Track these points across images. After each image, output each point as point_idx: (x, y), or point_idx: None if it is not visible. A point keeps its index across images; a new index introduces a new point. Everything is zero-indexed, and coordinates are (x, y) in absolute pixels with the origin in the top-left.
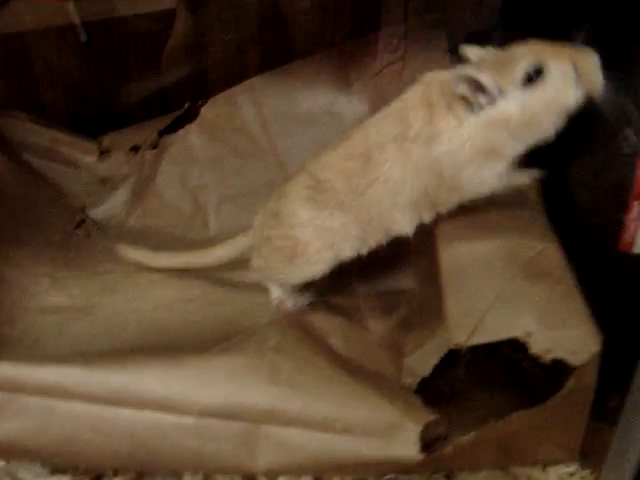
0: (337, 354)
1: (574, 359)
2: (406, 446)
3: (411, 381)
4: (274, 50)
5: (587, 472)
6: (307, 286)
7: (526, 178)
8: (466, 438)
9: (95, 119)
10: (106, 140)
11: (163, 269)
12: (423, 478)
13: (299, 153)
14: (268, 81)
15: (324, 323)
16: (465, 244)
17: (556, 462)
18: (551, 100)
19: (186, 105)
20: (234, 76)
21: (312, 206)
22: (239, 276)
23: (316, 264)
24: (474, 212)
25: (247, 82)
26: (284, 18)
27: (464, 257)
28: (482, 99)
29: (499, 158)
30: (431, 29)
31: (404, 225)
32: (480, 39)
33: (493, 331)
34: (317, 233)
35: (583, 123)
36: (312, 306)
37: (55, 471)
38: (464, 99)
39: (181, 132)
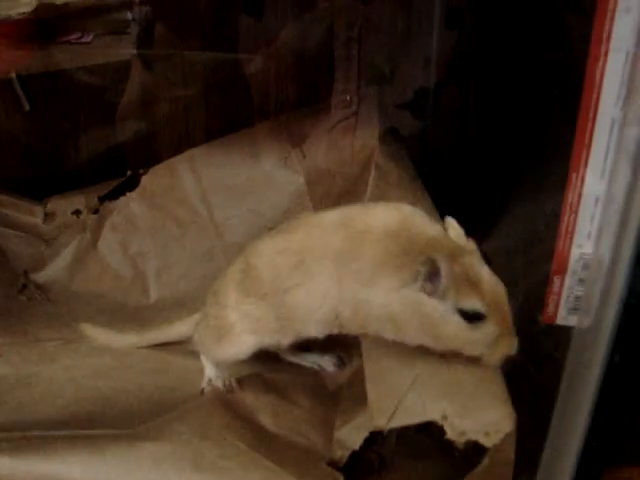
0: (266, 431)
1: (486, 440)
2: None
3: (341, 454)
4: (221, 113)
5: None
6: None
7: None
8: None
9: (41, 180)
10: (51, 203)
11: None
12: None
13: (238, 223)
14: (208, 152)
15: (254, 400)
16: None
17: None
18: (463, 337)
19: (128, 173)
20: (180, 136)
21: (240, 290)
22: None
23: (239, 346)
24: None
25: (187, 152)
26: (234, 79)
27: (384, 340)
28: (427, 286)
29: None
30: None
31: (315, 334)
32: (429, 94)
33: (411, 414)
34: (241, 317)
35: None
36: (244, 382)
37: None
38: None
39: (122, 199)
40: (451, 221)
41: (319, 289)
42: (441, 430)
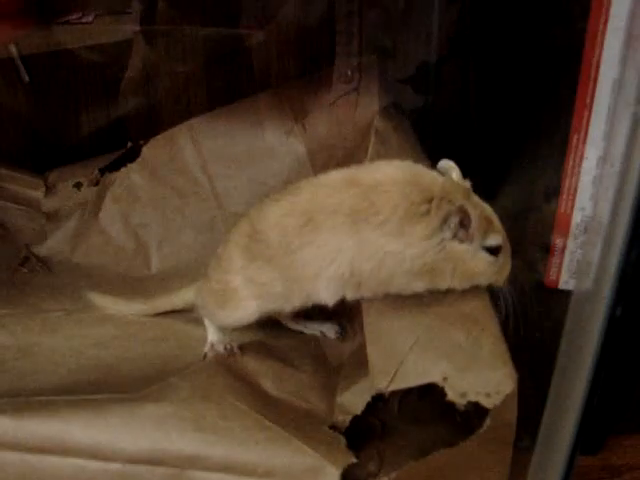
0: (267, 395)
1: (487, 401)
2: None
3: (343, 419)
4: (222, 88)
5: None
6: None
7: None
8: (395, 475)
9: (43, 154)
10: (52, 176)
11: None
12: None
13: (238, 193)
14: (208, 121)
15: (255, 365)
16: None
17: None
18: (490, 271)
19: (128, 144)
20: (182, 111)
21: (246, 255)
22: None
23: (242, 311)
24: None
25: (187, 122)
26: (235, 54)
27: (384, 303)
28: (460, 233)
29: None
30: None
31: (325, 296)
32: (431, 68)
33: (412, 377)
34: (245, 282)
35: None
36: (246, 347)
37: None
38: (444, 219)
39: (123, 171)
40: (450, 163)
41: (332, 244)
42: (443, 396)
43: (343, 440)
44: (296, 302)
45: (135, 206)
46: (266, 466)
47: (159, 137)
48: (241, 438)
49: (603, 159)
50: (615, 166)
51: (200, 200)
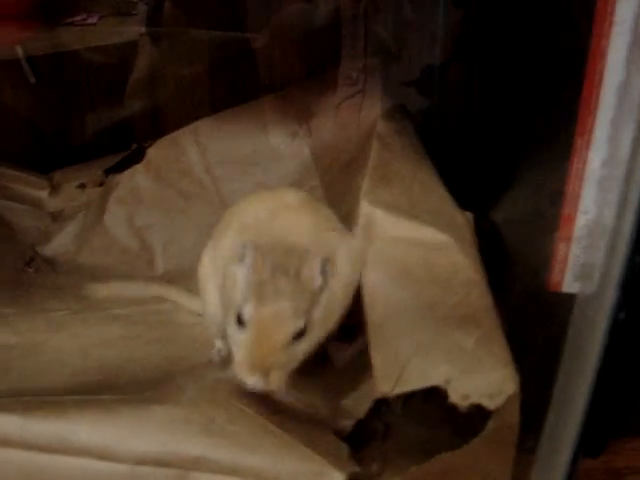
0: (272, 400)
1: (490, 403)
2: None
3: (347, 423)
4: (227, 91)
5: None
6: None
7: None
8: (399, 477)
9: (48, 154)
10: (57, 176)
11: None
12: None
13: (242, 195)
14: (213, 124)
15: None
16: (389, 292)
17: None
18: None
19: (133, 146)
20: (187, 113)
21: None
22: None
23: None
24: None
25: (192, 125)
26: (241, 56)
27: (387, 307)
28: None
29: None
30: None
31: None
32: (436, 71)
33: (415, 380)
34: None
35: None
36: None
37: None
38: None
39: (128, 172)
40: None
41: None
42: (446, 398)
43: (346, 448)
44: None
45: (139, 207)
46: (272, 471)
47: (164, 139)
48: (248, 442)
49: (607, 163)
50: (619, 170)
51: (205, 202)
